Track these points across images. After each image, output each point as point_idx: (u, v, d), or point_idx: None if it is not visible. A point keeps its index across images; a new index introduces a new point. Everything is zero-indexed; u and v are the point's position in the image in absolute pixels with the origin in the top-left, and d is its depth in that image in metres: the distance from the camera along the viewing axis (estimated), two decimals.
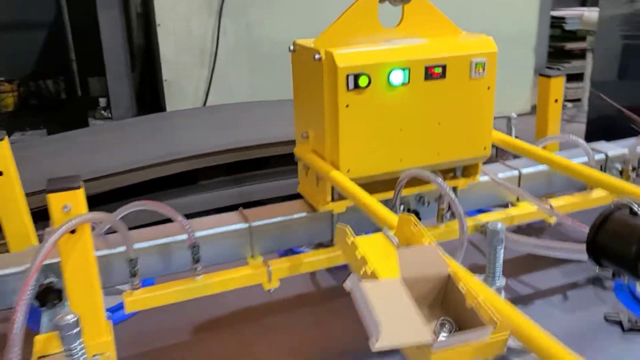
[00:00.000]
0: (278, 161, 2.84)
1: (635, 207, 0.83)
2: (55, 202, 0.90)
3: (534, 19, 4.10)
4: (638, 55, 2.02)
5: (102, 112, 4.24)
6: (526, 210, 1.35)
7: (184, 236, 1.09)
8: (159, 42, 3.77)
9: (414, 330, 0.62)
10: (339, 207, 1.21)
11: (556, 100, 1.56)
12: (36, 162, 2.24)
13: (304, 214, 1.23)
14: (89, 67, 5.79)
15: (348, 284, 0.66)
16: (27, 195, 1.27)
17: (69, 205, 0.91)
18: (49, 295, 1.05)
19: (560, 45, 4.67)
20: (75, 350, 0.84)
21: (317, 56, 1.09)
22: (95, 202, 1.51)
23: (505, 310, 0.68)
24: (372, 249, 0.79)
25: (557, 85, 1.55)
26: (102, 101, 4.41)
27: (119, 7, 3.89)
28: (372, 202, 0.97)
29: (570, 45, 4.81)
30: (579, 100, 4.05)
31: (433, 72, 1.12)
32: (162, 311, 1.09)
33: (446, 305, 0.71)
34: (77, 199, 0.91)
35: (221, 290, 1.11)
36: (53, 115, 4.87)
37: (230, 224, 1.17)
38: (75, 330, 0.83)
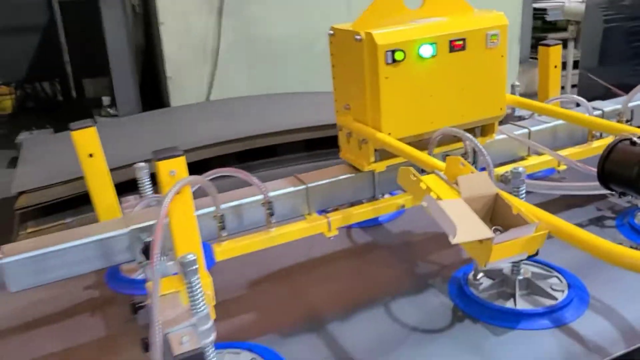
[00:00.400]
0: (285, 149, 3.05)
1: (635, 139, 1.05)
2: (164, 168, 1.10)
3: (518, 11, 4.33)
4: (616, 39, 2.22)
5: (108, 109, 4.39)
6: (537, 161, 1.57)
7: (256, 197, 1.30)
8: (162, 40, 3.94)
9: (478, 230, 0.83)
10: (380, 167, 1.42)
11: (555, 67, 1.78)
12: None
13: (350, 175, 1.44)
14: (82, 69, 5.92)
15: (425, 203, 0.87)
16: None
17: (174, 170, 1.11)
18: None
19: (542, 36, 4.88)
20: (195, 284, 1.04)
21: (357, 37, 1.30)
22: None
23: (542, 215, 0.89)
24: (430, 183, 1.00)
25: (556, 53, 1.77)
26: (106, 100, 4.57)
27: (122, 7, 4.03)
28: (418, 153, 1.18)
29: (552, 36, 5.04)
30: (562, 88, 4.30)
31: (455, 45, 1.33)
32: (220, 272, 1.26)
33: (495, 217, 0.93)
34: (180, 165, 1.11)
35: (292, 239, 1.32)
36: (52, 116, 5.00)
37: (290, 186, 1.38)
38: (194, 267, 1.03)
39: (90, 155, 1.38)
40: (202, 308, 1.06)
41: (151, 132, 3.37)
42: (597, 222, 1.66)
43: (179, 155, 1.10)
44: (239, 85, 4.08)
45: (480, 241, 0.84)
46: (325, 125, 2.67)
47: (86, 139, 1.38)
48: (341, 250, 1.66)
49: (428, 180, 0.97)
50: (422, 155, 1.16)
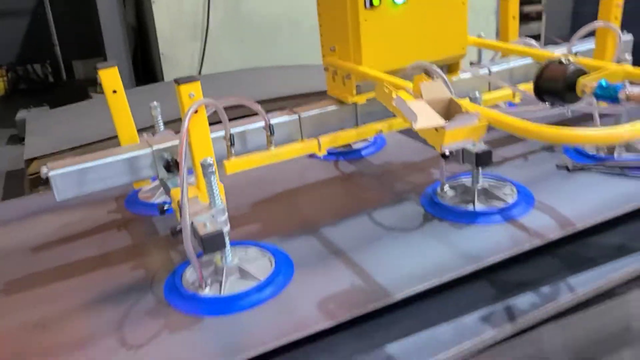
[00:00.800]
0: None
1: (562, 60, 1.31)
2: (184, 90, 1.34)
3: None
4: (585, 14, 2.41)
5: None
6: (496, 95, 1.83)
7: (259, 124, 1.55)
8: (155, 19, 4.13)
9: (435, 120, 1.10)
10: (361, 99, 1.68)
11: (514, 17, 2.04)
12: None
13: (336, 107, 1.70)
14: (72, 51, 6.07)
15: (394, 103, 1.13)
16: None
17: (192, 92, 1.35)
18: (172, 166, 1.50)
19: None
20: (213, 182, 1.29)
21: None
22: None
23: (484, 111, 1.16)
24: (400, 95, 1.26)
25: (514, 5, 2.03)
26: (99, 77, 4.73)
27: None
28: (392, 77, 1.43)
29: (527, 9, 5.28)
30: None
31: None
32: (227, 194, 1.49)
33: (448, 117, 1.18)
34: (197, 88, 1.35)
35: (289, 158, 1.58)
36: (45, 97, 5.17)
37: (286, 116, 1.63)
38: (212, 169, 1.28)
39: (114, 92, 1.62)
40: (219, 203, 1.31)
41: (146, 104, 3.57)
42: (551, 149, 1.94)
43: (196, 80, 1.35)
44: (230, 60, 4.30)
45: (436, 129, 1.11)
46: (315, 92, 2.87)
47: (110, 78, 1.62)
48: (330, 177, 1.93)
49: (399, 94, 1.23)
50: (395, 79, 1.41)
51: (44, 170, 1.42)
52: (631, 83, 1.20)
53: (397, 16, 1.57)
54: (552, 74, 1.32)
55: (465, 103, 1.17)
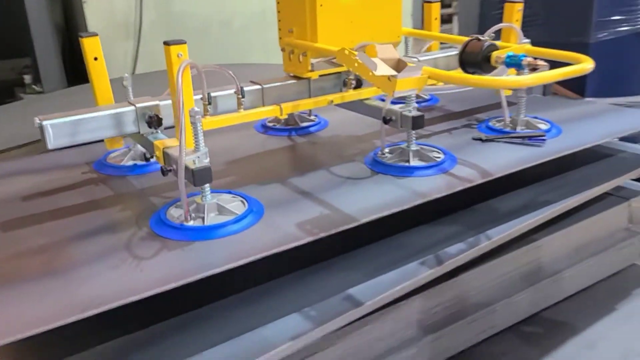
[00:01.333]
0: None
1: (480, 37, 1.68)
2: (174, 51, 1.56)
3: None
4: (492, 14, 2.86)
5: (34, 86, 4.60)
6: None
7: (231, 90, 1.79)
8: (86, 18, 4.22)
9: (389, 71, 1.40)
10: (314, 75, 1.97)
11: (436, 19, 2.43)
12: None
13: (293, 81, 1.97)
14: None
15: (359, 56, 1.43)
16: None
17: (181, 52, 1.57)
18: (153, 122, 1.70)
19: None
20: (199, 129, 1.52)
21: None
22: None
23: (425, 67, 1.48)
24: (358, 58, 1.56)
25: (436, 8, 2.43)
26: (27, 78, 4.75)
27: None
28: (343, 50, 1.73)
29: (440, 11, 5.87)
30: None
31: None
32: None
33: (399, 71, 1.49)
34: (184, 49, 1.57)
35: (255, 119, 1.83)
36: None
37: (250, 86, 1.89)
38: (199, 116, 1.51)
39: (95, 59, 1.80)
40: (203, 147, 1.54)
41: (83, 102, 3.67)
42: (468, 126, 2.32)
43: (184, 43, 1.57)
44: (162, 59, 4.45)
45: (389, 78, 1.41)
46: None
47: (92, 45, 1.80)
48: (286, 145, 2.20)
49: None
50: (340, 50, 1.72)
51: (36, 120, 1.58)
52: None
53: (346, 4, 1.88)
54: (472, 48, 1.69)
55: (411, 62, 1.49)
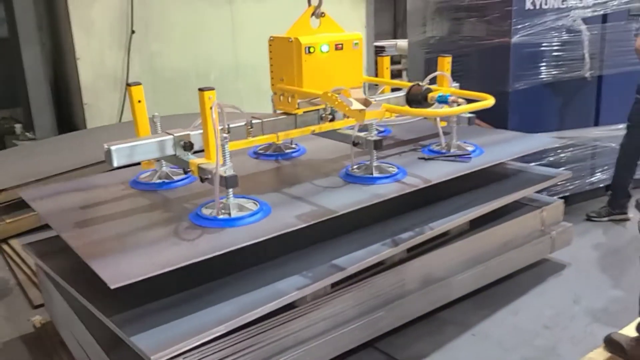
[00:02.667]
0: None
1: (420, 84, 2.39)
2: (207, 95, 2.18)
3: (364, 48, 5.94)
4: (433, 66, 3.53)
5: (27, 134, 5.09)
6: None
7: (242, 122, 2.41)
8: (79, 72, 4.79)
9: (360, 105, 2.08)
10: (299, 111, 2.62)
11: (387, 68, 3.16)
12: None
13: (284, 116, 2.62)
14: None
15: (340, 97, 2.10)
16: None
17: (211, 95, 2.19)
18: (188, 146, 2.30)
19: None
20: (226, 149, 2.13)
21: (290, 40, 2.51)
22: None
23: (384, 104, 2.17)
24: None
25: (387, 61, 3.15)
26: (18, 127, 5.23)
27: (40, 44, 4.84)
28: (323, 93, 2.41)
29: (391, 67, 6.75)
30: None
31: (338, 46, 2.59)
32: None
33: (366, 106, 2.17)
34: (213, 94, 2.19)
35: (260, 143, 2.47)
36: None
37: (254, 120, 2.52)
38: (227, 140, 2.12)
39: (139, 101, 2.40)
40: (229, 162, 2.15)
41: (75, 148, 4.21)
42: (414, 150, 3.01)
43: (213, 89, 2.20)
44: (147, 109, 5.01)
45: (360, 111, 2.09)
46: None
47: (137, 92, 2.39)
48: (275, 167, 2.83)
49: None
50: (324, 93, 2.39)
51: (105, 146, 2.15)
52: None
53: (323, 59, 2.55)
54: (415, 90, 2.40)
55: (372, 101, 2.18)
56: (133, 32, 4.95)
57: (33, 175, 3.66)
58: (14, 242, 3.73)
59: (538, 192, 3.18)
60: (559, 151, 3.80)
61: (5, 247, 3.75)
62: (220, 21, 5.49)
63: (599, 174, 4.03)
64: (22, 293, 3.27)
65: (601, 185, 4.10)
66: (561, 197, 3.35)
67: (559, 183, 3.70)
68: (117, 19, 4.91)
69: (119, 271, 1.77)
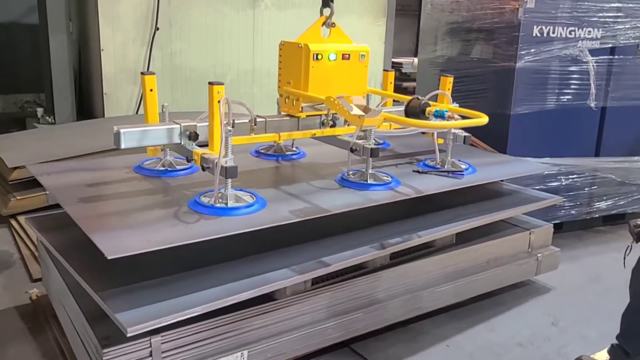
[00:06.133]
0: None
1: (420, 97, 2.51)
2: (215, 89, 2.30)
3: (381, 64, 6.11)
4: None
5: (47, 118, 5.26)
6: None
7: (247, 119, 2.53)
8: (102, 63, 4.94)
9: (360, 112, 2.20)
10: (302, 114, 2.74)
11: (391, 82, 3.28)
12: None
13: (288, 118, 2.74)
14: None
15: (341, 102, 2.22)
16: None
17: (220, 90, 2.32)
18: (193, 137, 2.42)
19: (398, 84, 6.69)
20: (229, 140, 2.25)
21: (300, 45, 2.64)
22: None
23: (382, 112, 2.29)
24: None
25: (391, 75, 3.27)
26: (40, 111, 5.42)
27: (66, 32, 5.01)
28: (327, 97, 2.52)
29: (405, 84, 6.89)
30: None
31: (345, 56, 2.72)
32: None
33: (366, 112, 2.29)
34: (222, 88, 2.32)
35: (261, 140, 2.58)
36: None
37: (259, 119, 2.64)
38: (230, 132, 2.24)
39: (151, 90, 2.53)
40: (230, 154, 2.27)
41: (90, 133, 4.35)
42: (410, 163, 3.12)
43: (222, 84, 2.32)
44: (162, 103, 5.16)
45: (359, 116, 2.20)
46: None
47: (150, 81, 2.52)
48: (274, 166, 2.94)
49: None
50: (327, 98, 2.51)
51: (115, 128, 2.28)
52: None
53: (330, 67, 2.68)
54: (414, 103, 2.52)
55: (372, 108, 2.29)
56: (157, 29, 5.10)
57: (46, 157, 3.79)
58: (22, 219, 3.85)
59: (531, 215, 3.28)
60: (559, 177, 3.89)
61: (14, 222, 3.87)
62: (242, 25, 5.64)
63: (596, 203, 4.12)
64: (24, 266, 3.38)
65: (597, 215, 4.18)
66: (557, 224, 3.44)
67: (555, 209, 3.80)
68: (142, 15, 5.07)
69: (116, 244, 1.88)
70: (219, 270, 2.20)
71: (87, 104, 5.47)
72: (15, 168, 3.77)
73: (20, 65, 6.89)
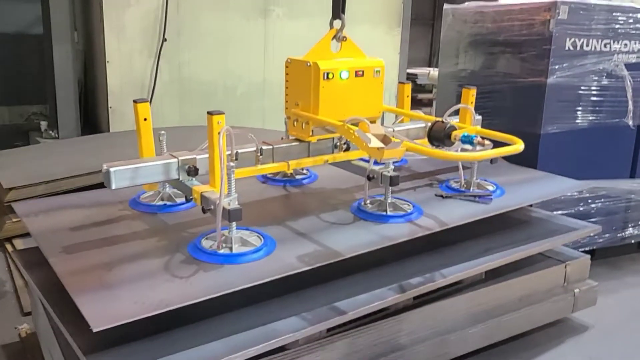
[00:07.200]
0: None
1: (442, 119, 2.24)
2: (215, 119, 2.05)
3: (396, 74, 5.83)
4: None
5: (50, 132, 5.07)
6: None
7: (252, 148, 2.27)
8: (107, 75, 4.73)
9: (379, 143, 1.93)
10: (313, 139, 2.48)
11: (407, 96, 3.01)
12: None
13: (296, 143, 2.48)
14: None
15: (357, 132, 1.96)
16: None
17: (220, 120, 2.07)
18: (193, 172, 2.18)
19: (413, 95, 6.42)
20: (232, 178, 2.00)
21: (308, 64, 2.37)
22: None
23: (404, 142, 2.02)
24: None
25: (408, 88, 3.01)
26: (44, 124, 5.23)
27: (71, 43, 4.81)
28: (338, 123, 2.26)
29: (421, 96, 6.61)
30: None
31: (358, 73, 2.45)
32: None
33: (385, 143, 2.02)
34: (222, 118, 2.07)
35: (269, 172, 2.32)
36: None
37: (264, 145, 2.38)
38: (233, 170, 1.99)
39: (145, 119, 2.29)
40: (234, 193, 2.02)
41: (92, 150, 4.14)
42: (430, 185, 2.86)
43: (222, 113, 2.07)
44: (171, 118, 4.96)
45: (378, 149, 1.94)
46: None
47: (143, 109, 2.28)
48: (282, 194, 2.69)
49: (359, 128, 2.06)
50: (340, 124, 2.24)
51: (104, 166, 2.04)
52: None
53: (342, 86, 2.42)
54: (438, 128, 2.25)
55: (393, 138, 2.03)
56: (165, 39, 4.87)
57: (45, 176, 3.60)
58: (18, 243, 3.66)
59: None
60: (589, 201, 3.59)
61: (9, 246, 3.68)
62: (253, 35, 5.41)
63: (631, 228, 3.80)
64: (16, 297, 3.17)
65: (633, 242, 3.87)
66: (588, 251, 3.16)
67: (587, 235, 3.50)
68: (150, 25, 4.85)
69: (104, 309, 1.65)
70: (220, 320, 1.95)
71: (92, 118, 5.27)
72: (11, 188, 3.57)
73: (27, 76, 6.73)
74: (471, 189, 2.75)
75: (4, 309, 3.07)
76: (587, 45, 3.39)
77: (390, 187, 2.41)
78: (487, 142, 2.14)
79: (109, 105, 4.76)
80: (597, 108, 3.51)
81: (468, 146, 2.20)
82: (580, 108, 3.48)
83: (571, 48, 3.35)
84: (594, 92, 3.48)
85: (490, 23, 3.67)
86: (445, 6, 4.09)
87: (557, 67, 3.33)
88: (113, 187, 2.04)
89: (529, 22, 3.38)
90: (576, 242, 3.36)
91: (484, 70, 3.76)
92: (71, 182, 3.52)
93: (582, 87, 3.44)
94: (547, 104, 3.38)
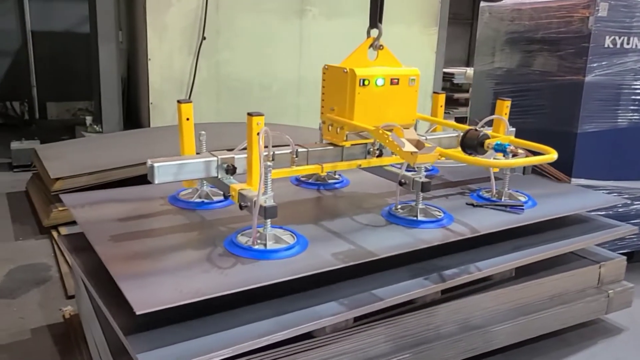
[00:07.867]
0: None
1: (476, 128, 2.28)
2: (255, 121, 2.14)
3: (432, 74, 5.87)
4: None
5: (94, 126, 5.28)
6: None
7: (288, 150, 2.35)
8: (149, 73, 4.91)
9: (413, 148, 1.99)
10: (347, 144, 2.54)
11: (441, 106, 3.05)
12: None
13: (331, 147, 2.55)
14: (47, 93, 6.65)
15: (392, 137, 2.02)
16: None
17: (260, 121, 2.16)
18: (231, 170, 2.27)
19: (449, 95, 6.39)
20: (269, 177, 2.07)
21: (345, 70, 2.45)
22: None
23: (437, 147, 2.07)
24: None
25: (442, 98, 3.05)
26: (89, 119, 5.45)
27: (115, 42, 5.01)
28: (373, 128, 2.32)
29: (457, 95, 6.60)
30: None
31: (393, 81, 2.51)
32: None
33: (419, 148, 2.08)
34: (262, 120, 2.16)
35: (304, 173, 2.40)
36: (21, 133, 5.67)
37: (300, 148, 2.46)
38: (270, 168, 2.07)
39: (187, 119, 2.39)
40: (270, 191, 2.10)
41: (134, 144, 4.30)
42: (461, 193, 2.89)
43: (262, 115, 2.16)
44: (208, 114, 5.11)
45: (412, 153, 1.99)
46: None
47: (186, 109, 2.38)
48: (315, 197, 2.76)
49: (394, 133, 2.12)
50: (375, 129, 2.30)
51: (149, 162, 2.14)
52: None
53: (377, 93, 2.48)
54: (471, 136, 2.29)
55: (427, 143, 2.08)
56: (204, 38, 5.04)
57: (90, 167, 3.77)
58: (63, 230, 3.82)
59: (598, 245, 2.97)
60: (628, 202, 3.55)
61: (55, 233, 3.85)
62: (289, 35, 5.54)
63: None
64: (61, 281, 3.33)
65: None
66: (625, 253, 3.12)
67: (625, 237, 3.46)
68: (190, 24, 5.02)
69: (146, 295, 1.73)
70: (250, 307, 2.01)
71: (134, 114, 5.46)
72: (58, 179, 3.74)
73: (75, 73, 7.00)
74: (502, 198, 2.77)
75: (50, 292, 3.23)
76: (628, 43, 3.34)
77: (422, 193, 2.46)
78: (520, 151, 2.17)
79: (150, 102, 4.93)
80: (638, 107, 3.46)
81: (501, 155, 2.24)
82: (619, 107, 3.43)
83: (611, 46, 3.32)
84: (634, 91, 3.43)
85: (527, 20, 3.68)
86: (482, 4, 4.09)
87: (595, 65, 3.30)
88: (156, 181, 2.14)
89: (567, 19, 3.37)
90: (614, 243, 3.32)
91: (520, 68, 3.76)
92: (113, 174, 3.68)
93: (622, 86, 3.40)
94: (584, 102, 3.35)
